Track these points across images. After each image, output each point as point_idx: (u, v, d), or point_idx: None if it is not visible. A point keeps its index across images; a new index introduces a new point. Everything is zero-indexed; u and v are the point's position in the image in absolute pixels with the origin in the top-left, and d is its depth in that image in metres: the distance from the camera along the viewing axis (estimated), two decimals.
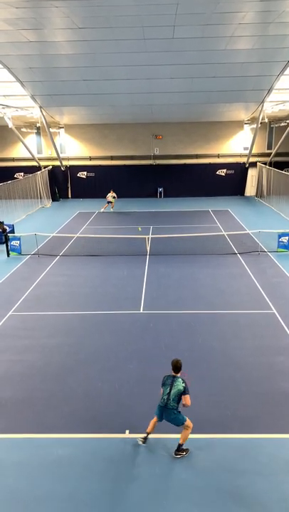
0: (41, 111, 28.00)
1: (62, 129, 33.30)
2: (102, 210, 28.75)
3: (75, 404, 8.38)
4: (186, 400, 6.87)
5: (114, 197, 29.04)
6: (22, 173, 33.11)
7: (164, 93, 24.88)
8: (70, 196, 34.80)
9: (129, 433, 7.53)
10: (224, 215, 26.54)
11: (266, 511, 5.95)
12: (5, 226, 21.48)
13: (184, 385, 6.92)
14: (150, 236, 19.61)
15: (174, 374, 7.09)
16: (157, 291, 14.17)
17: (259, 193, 32.82)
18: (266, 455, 6.99)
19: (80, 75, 22.10)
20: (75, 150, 34.03)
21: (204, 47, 18.59)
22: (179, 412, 6.94)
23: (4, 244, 19.08)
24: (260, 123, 28.67)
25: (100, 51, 18.96)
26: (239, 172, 33.92)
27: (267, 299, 13.26)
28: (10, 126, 28.09)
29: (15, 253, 18.71)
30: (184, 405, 6.91)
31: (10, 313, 12.65)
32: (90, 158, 34.07)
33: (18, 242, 18.77)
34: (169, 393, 6.90)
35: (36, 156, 33.13)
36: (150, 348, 10.46)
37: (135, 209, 29.20)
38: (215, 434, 7.50)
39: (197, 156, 33.74)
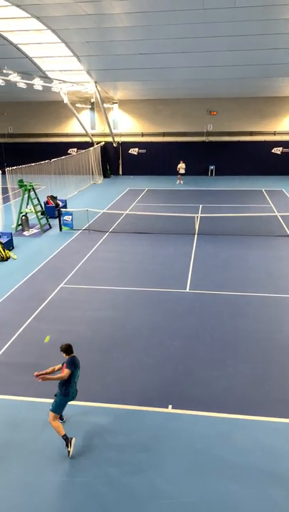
0: (96, 86, 28.05)
1: (116, 105, 33.20)
2: (177, 182, 29.11)
3: (119, 376, 8.68)
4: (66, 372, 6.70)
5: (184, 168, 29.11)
6: (75, 149, 33.63)
7: (221, 67, 24.01)
8: (120, 173, 34.96)
9: (172, 408, 7.71)
10: (278, 195, 25.59)
11: None
12: (58, 201, 22.13)
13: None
14: (199, 215, 19.38)
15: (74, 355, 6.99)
16: (204, 271, 14.10)
17: None
18: None
19: (136, 48, 21.79)
20: (127, 126, 33.92)
21: (266, 16, 17.62)
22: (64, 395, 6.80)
23: (57, 219, 19.69)
24: None
25: (157, 23, 18.55)
26: None
27: None
28: (65, 102, 28.48)
29: (67, 228, 19.26)
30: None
31: (61, 285, 13.16)
32: (142, 135, 33.84)
33: (70, 217, 19.28)
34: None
35: (90, 131, 33.43)
36: (195, 327, 10.52)
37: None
38: (256, 416, 7.50)
39: (252, 133, 32.48)
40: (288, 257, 15.21)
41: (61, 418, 7.17)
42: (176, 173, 31.34)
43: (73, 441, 6.69)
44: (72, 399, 6.85)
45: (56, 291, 12.75)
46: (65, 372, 6.60)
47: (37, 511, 5.80)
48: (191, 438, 7.04)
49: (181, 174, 29.55)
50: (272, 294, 12.28)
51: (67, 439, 6.67)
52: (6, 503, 5.93)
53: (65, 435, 6.68)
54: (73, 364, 6.76)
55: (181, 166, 29.57)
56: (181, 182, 29.78)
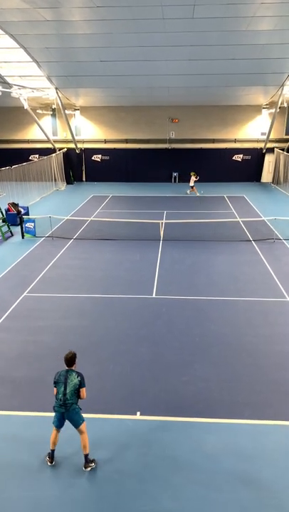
0: (57, 92, 27.80)
1: (78, 111, 33.07)
2: (190, 192, 28.57)
3: (87, 385, 8.48)
4: (83, 392, 6.49)
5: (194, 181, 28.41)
6: (37, 155, 33.12)
7: (182, 75, 24.43)
8: (84, 179, 34.74)
9: (140, 415, 7.63)
10: (240, 202, 26.24)
11: (274, 497, 6.01)
12: (20, 208, 21.63)
13: (79, 378, 6.47)
14: (164, 221, 19.52)
15: (67, 368, 6.61)
16: (170, 277, 14.17)
17: (276, 180, 32.29)
18: (275, 442, 7.03)
19: (97, 55, 21.79)
20: (90, 132, 33.81)
21: (225, 27, 18.11)
22: (80, 408, 6.55)
23: (19, 226, 19.22)
24: (279, 107, 28.04)
25: (117, 31, 18.62)
26: (256, 158, 33.36)
27: (281, 287, 13.17)
28: (25, 108, 28.03)
29: (29, 235, 18.85)
30: (80, 398, 6.52)
31: (24, 294, 12.81)
32: (105, 141, 33.84)
33: (33, 224, 18.89)
34: (64, 391, 6.40)
35: (51, 138, 33.04)
36: (162, 333, 10.52)
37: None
38: (225, 418, 7.55)
39: (214, 141, 33.25)
40: (252, 261, 15.57)
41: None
42: (139, 179, 31.41)
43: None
44: (57, 412, 6.52)
45: (19, 300, 12.39)
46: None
47: None
48: (160, 444, 6.98)
49: (192, 186, 28.57)
50: (238, 298, 12.50)
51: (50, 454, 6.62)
52: None
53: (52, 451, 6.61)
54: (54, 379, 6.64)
55: (192, 179, 28.44)
56: (196, 193, 28.50)
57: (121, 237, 18.40)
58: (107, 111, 32.82)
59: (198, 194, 28.53)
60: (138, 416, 7.62)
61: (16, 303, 12.19)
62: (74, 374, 6.51)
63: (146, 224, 19.50)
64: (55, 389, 6.53)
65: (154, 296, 12.73)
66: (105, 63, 22.73)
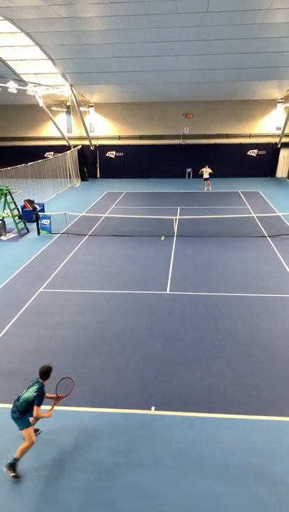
0: (72, 89, 27.93)
1: (92, 108, 33.16)
2: (205, 189, 28.61)
3: (101, 380, 8.61)
4: (34, 411, 6.20)
5: (210, 173, 28.38)
6: (52, 153, 33.35)
7: (195, 70, 24.26)
8: (98, 176, 34.86)
9: (155, 410, 7.69)
10: (254, 197, 26.00)
11: None
12: (35, 205, 21.87)
13: (35, 394, 6.23)
14: (178, 217, 19.49)
15: (38, 378, 6.50)
16: (184, 273, 14.17)
17: None
18: None
19: (111, 51, 21.80)
20: (104, 129, 33.88)
21: (239, 21, 17.90)
22: (23, 417, 6.31)
23: (35, 223, 19.44)
24: None
25: (131, 27, 18.60)
26: (271, 153, 32.97)
27: None
28: (40, 105, 28.24)
29: (45, 232, 19.05)
30: (34, 417, 6.32)
31: (40, 289, 12.99)
32: (119, 138, 33.86)
33: (48, 221, 19.07)
34: (19, 397, 6.42)
35: (66, 135, 33.22)
36: (176, 329, 10.55)
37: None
38: (239, 414, 7.56)
39: (228, 136, 32.96)
40: (267, 257, 15.45)
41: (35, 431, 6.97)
42: (153, 175, 31.41)
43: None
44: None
45: (35, 295, 12.56)
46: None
47: None
48: (174, 439, 7.03)
49: (205, 179, 28.54)
50: (253, 294, 12.43)
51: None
52: None
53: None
54: None
55: (206, 170, 28.41)
56: (209, 188, 28.52)
57: (135, 234, 18.45)
58: (121, 107, 32.83)
59: (205, 189, 28.58)
60: (153, 411, 7.68)
61: (32, 298, 12.36)
62: (36, 387, 6.35)
63: (160, 220, 19.51)
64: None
65: (167, 292, 12.75)
66: (119, 59, 22.73)
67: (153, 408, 7.74)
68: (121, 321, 11.03)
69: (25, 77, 25.86)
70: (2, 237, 18.64)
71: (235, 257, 15.50)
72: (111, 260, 15.52)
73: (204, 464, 6.54)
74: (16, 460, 6.31)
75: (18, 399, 6.46)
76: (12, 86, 22.44)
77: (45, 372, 6.51)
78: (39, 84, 25.76)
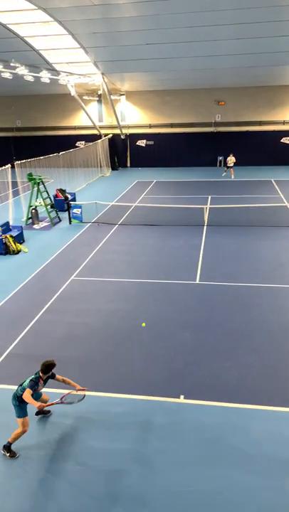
0: (103, 77, 27.92)
1: (124, 96, 33.04)
2: (223, 174, 29.28)
3: (131, 367, 8.76)
4: (25, 392, 6.35)
5: (233, 162, 28.79)
6: (83, 142, 33.58)
7: (229, 55, 23.70)
8: (128, 165, 34.87)
9: (184, 398, 7.77)
10: (288, 186, 25.33)
11: None
12: (67, 194, 22.19)
13: (28, 382, 6.53)
14: (208, 206, 19.30)
15: (38, 371, 6.74)
16: (214, 263, 14.08)
17: None
18: None
19: (142, 38, 21.60)
20: (135, 117, 33.74)
21: (275, 2, 17.30)
22: (20, 405, 6.55)
23: (66, 212, 19.75)
24: None
25: (165, 12, 18.34)
26: None
27: None
28: (72, 94, 28.40)
29: (76, 221, 19.32)
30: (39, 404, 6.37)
31: (72, 277, 13.25)
32: (150, 126, 33.66)
33: (80, 210, 19.33)
34: (19, 386, 6.69)
35: (97, 124, 33.33)
36: (205, 319, 10.55)
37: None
38: (268, 405, 7.52)
39: (261, 123, 32.11)
40: None
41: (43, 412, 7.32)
42: (184, 164, 31.10)
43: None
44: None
45: (67, 283, 12.84)
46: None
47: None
48: (203, 428, 7.10)
49: (229, 166, 28.90)
50: (284, 285, 12.22)
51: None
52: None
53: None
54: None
55: (230, 159, 28.69)
56: (232, 177, 28.78)
57: (165, 223, 18.43)
58: (153, 95, 32.55)
59: (224, 174, 29.28)
60: (181, 399, 7.76)
61: (64, 286, 12.65)
62: (32, 376, 6.63)
63: (191, 209, 19.38)
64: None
65: (197, 281, 12.73)
66: (151, 46, 22.49)
67: (182, 396, 7.82)
68: (150, 309, 11.12)
69: (57, 67, 26.04)
70: (35, 226, 19.07)
71: (266, 247, 15.24)
72: (140, 249, 15.61)
73: (233, 453, 6.57)
74: (9, 443, 6.67)
75: (18, 387, 6.72)
76: (45, 76, 22.67)
77: (47, 366, 6.72)
78: (71, 74, 25.88)
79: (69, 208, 19.44)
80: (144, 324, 10.03)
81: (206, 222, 18.22)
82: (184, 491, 5.95)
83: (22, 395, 6.43)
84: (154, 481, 6.11)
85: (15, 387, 6.91)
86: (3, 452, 6.71)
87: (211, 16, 18.65)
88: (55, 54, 25.59)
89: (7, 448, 6.70)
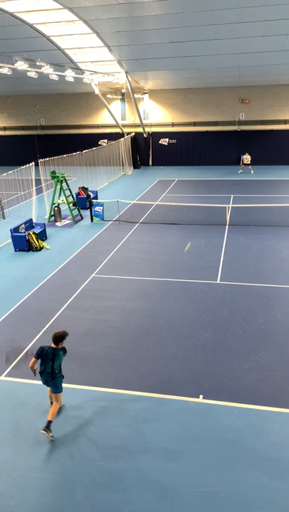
0: (127, 76, 27.98)
1: (147, 95, 33.04)
2: (240, 171, 30.03)
3: (151, 365, 8.77)
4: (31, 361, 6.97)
5: (249, 160, 29.85)
6: (106, 140, 33.76)
7: (254, 53, 23.38)
8: (150, 164, 34.86)
9: (203, 398, 7.74)
10: None
11: None
12: (89, 192, 22.36)
13: (64, 354, 7.08)
14: (230, 205, 19.11)
15: (53, 347, 7.02)
16: (236, 263, 13.94)
17: None
18: None
19: (167, 36, 21.54)
20: (158, 116, 33.70)
21: None
22: (63, 377, 7.14)
23: (88, 210, 19.91)
24: None
25: (189, 10, 18.24)
26: None
27: None
28: (96, 93, 28.58)
29: (98, 219, 19.46)
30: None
31: (93, 275, 13.36)
32: (173, 125, 33.56)
33: (101, 208, 19.45)
34: (52, 366, 6.94)
35: (120, 122, 33.45)
36: (226, 319, 10.46)
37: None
38: None
39: (286, 122, 31.59)
40: None
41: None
42: (206, 162, 30.92)
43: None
44: (44, 383, 7.13)
45: (88, 280, 12.95)
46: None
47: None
48: (222, 428, 7.05)
49: (246, 164, 29.89)
50: None
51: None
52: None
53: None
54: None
55: (246, 157, 29.83)
56: (251, 171, 29.86)
57: (186, 222, 18.36)
58: (176, 93, 32.44)
59: (241, 171, 30.11)
60: (201, 399, 7.73)
61: (85, 283, 12.77)
62: (60, 352, 7.01)
63: (213, 208, 19.24)
64: (33, 359, 6.94)
65: (218, 281, 12.64)
66: (175, 44, 22.41)
67: (201, 396, 7.79)
68: (171, 308, 11.11)
69: (81, 65, 26.26)
70: (57, 224, 19.30)
71: None
72: (161, 248, 15.59)
73: (252, 455, 6.51)
74: (50, 422, 6.92)
75: (52, 370, 6.96)
76: (69, 74, 22.89)
77: (56, 337, 7.01)
78: (95, 72, 26.05)
79: (91, 206, 19.59)
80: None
81: (227, 222, 18.06)
82: (201, 492, 5.92)
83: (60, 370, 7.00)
84: (171, 480, 6.11)
85: (37, 382, 7.03)
86: (45, 433, 6.84)
87: (235, 14, 18.43)
88: (79, 53, 25.82)
89: (50, 427, 6.87)
